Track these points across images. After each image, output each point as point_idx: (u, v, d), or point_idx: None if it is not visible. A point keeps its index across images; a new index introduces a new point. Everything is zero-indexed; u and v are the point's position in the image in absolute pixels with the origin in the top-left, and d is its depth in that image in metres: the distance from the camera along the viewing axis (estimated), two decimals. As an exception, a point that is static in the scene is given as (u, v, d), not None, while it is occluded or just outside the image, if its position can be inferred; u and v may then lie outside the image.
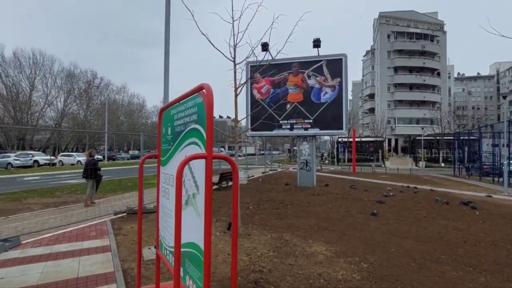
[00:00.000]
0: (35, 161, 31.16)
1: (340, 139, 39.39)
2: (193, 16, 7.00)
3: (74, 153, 41.88)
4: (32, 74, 47.97)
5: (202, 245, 2.32)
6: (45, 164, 31.84)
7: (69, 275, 4.28)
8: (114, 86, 63.95)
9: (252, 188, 14.03)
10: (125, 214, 8.24)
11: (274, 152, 63.34)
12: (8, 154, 31.20)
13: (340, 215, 8.40)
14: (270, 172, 25.22)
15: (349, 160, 34.82)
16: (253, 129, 14.61)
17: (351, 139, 33.33)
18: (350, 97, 65.29)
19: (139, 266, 3.85)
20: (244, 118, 13.89)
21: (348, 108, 22.82)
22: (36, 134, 49.63)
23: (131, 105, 67.97)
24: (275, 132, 15.55)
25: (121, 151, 63.26)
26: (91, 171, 9.96)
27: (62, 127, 49.73)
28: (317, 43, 14.33)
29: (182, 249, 2.46)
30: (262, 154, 50.04)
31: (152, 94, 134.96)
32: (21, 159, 29.44)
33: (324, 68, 14.20)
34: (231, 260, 2.30)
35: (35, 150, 40.04)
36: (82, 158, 36.83)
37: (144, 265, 4.55)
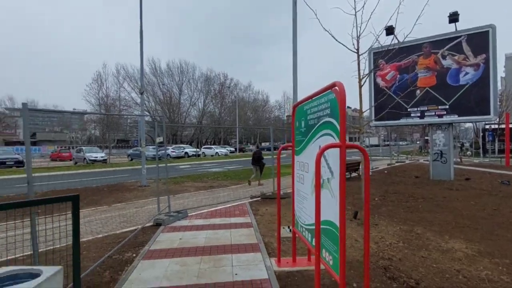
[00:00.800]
0: (186, 152, 38.41)
1: (487, 126, 32.64)
2: (316, 14, 7.43)
3: (213, 146, 49.16)
4: (180, 81, 58.48)
5: (337, 222, 2.76)
6: (192, 155, 38.65)
7: (225, 241, 5.43)
8: (242, 85, 71.48)
9: (377, 180, 13.53)
10: (259, 198, 9.48)
11: (400, 143, 57.67)
12: (166, 147, 39.03)
13: (485, 213, 7.38)
14: (397, 164, 23.38)
15: (500, 151, 28.57)
16: (377, 119, 13.99)
17: (503, 126, 27.30)
18: (502, 75, 52.60)
19: (279, 239, 4.60)
20: (367, 110, 13.43)
21: (499, 88, 18.92)
22: (184, 130, 60.39)
23: (256, 102, 73.97)
24: (402, 121, 14.36)
25: (249, 144, 69.70)
26: (257, 159, 12.90)
27: (203, 124, 59.00)
28: (454, 17, 12.46)
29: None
30: (387, 145, 46.31)
31: (273, 90, 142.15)
32: (176, 151, 36.66)
33: (464, 45, 12.26)
34: (364, 235, 2.65)
35: (184, 144, 48.74)
36: (219, 150, 43.02)
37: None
